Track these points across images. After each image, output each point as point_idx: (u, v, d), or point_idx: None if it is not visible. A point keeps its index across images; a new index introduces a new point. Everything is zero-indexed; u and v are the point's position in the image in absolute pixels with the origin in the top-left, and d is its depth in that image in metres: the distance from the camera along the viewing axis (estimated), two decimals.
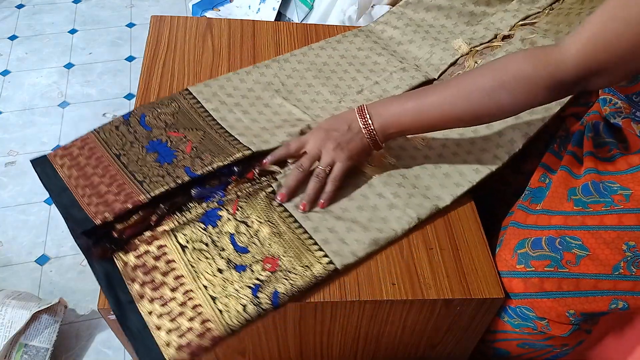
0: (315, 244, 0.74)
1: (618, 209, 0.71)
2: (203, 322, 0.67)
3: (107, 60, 1.83)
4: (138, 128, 0.84)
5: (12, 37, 1.88)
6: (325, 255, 0.73)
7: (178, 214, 0.76)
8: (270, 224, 0.75)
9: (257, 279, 0.71)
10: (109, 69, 1.79)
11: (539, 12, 0.98)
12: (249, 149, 0.80)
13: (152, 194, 0.74)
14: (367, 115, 0.76)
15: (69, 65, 1.80)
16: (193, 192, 0.77)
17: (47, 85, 1.73)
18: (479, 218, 0.83)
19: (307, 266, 0.72)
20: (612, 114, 0.79)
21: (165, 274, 0.70)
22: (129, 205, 0.72)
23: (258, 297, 0.69)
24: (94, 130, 0.85)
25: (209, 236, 0.74)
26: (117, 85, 1.74)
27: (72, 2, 2.02)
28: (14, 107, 1.67)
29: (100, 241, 0.72)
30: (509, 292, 0.76)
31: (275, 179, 0.80)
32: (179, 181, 0.76)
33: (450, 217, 0.83)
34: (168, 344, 0.66)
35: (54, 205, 1.42)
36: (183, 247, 0.72)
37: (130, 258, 0.71)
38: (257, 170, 0.80)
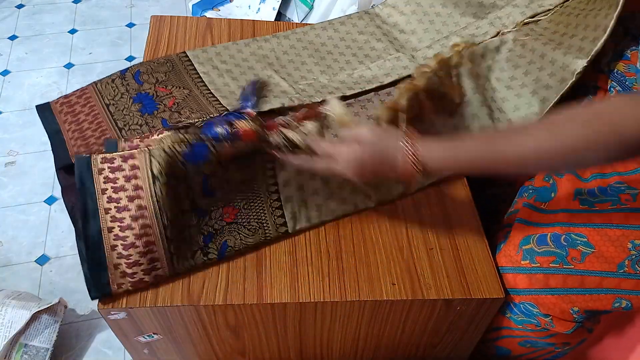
0: (278, 200, 0.77)
1: (624, 207, 0.71)
2: (152, 260, 0.71)
3: (107, 60, 1.82)
4: (131, 82, 0.90)
5: (12, 37, 1.88)
6: (282, 216, 0.77)
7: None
8: (244, 172, 0.77)
9: (213, 228, 0.74)
10: (109, 69, 1.79)
11: (548, 10, 0.94)
12: (227, 108, 0.83)
13: (127, 138, 0.77)
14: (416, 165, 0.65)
15: (69, 65, 1.80)
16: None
17: (47, 85, 1.73)
18: (479, 218, 0.83)
19: (261, 224, 0.76)
20: None
21: (131, 199, 0.71)
22: (103, 148, 0.76)
23: (208, 246, 0.74)
24: (94, 82, 0.92)
25: (183, 171, 0.74)
26: None
27: (72, 2, 2.02)
28: (14, 107, 1.67)
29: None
30: (513, 288, 0.76)
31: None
32: (154, 131, 0.78)
33: (451, 217, 0.83)
34: (116, 267, 0.70)
35: (54, 205, 1.42)
36: (154, 178, 0.72)
37: (105, 167, 0.73)
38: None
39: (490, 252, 0.80)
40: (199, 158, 0.74)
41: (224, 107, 0.85)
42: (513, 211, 0.85)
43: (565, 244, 0.73)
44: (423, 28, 1.01)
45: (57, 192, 1.45)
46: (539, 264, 0.74)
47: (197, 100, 0.86)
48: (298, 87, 0.92)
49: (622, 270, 0.71)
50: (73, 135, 0.83)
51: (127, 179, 0.72)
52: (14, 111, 1.65)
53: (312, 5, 1.72)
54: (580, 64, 0.80)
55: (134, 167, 0.73)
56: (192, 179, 0.74)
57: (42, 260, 1.32)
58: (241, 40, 1.01)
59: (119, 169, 0.72)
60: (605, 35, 0.79)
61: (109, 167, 0.73)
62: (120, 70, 0.92)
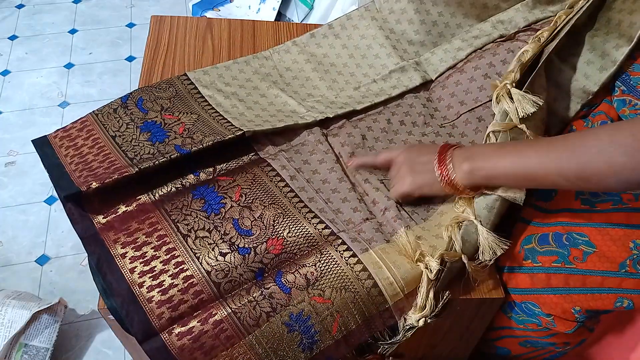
0: (321, 222, 0.74)
1: (626, 207, 0.71)
2: (204, 305, 0.67)
3: (107, 60, 1.82)
4: (135, 110, 0.86)
5: (12, 37, 1.88)
6: (321, 222, 0.74)
7: (171, 183, 0.77)
8: (275, 206, 0.75)
9: (261, 262, 0.70)
10: (109, 69, 1.79)
11: (550, 17, 0.92)
12: (240, 129, 0.81)
13: (140, 167, 0.74)
14: (450, 168, 0.71)
15: (69, 65, 1.80)
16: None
17: (47, 85, 1.73)
18: None
19: (310, 241, 0.72)
20: (632, 115, 0.79)
21: (165, 262, 0.69)
22: (116, 176, 0.73)
23: (262, 282, 0.69)
24: (93, 112, 0.87)
25: (212, 223, 0.73)
26: (117, 85, 1.74)
27: (72, 2, 2.02)
28: (14, 107, 1.67)
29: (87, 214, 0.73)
30: (515, 287, 0.76)
31: (273, 159, 0.81)
32: (168, 157, 0.76)
33: None
34: (160, 316, 0.66)
35: (54, 205, 1.42)
36: (185, 237, 0.71)
37: (128, 250, 0.70)
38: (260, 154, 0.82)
39: None
40: (218, 206, 0.74)
41: (236, 127, 0.82)
42: (515, 210, 0.85)
43: (567, 243, 0.73)
44: (425, 29, 0.98)
45: None
46: (540, 264, 0.74)
47: (208, 124, 0.84)
48: (307, 104, 0.90)
49: (623, 270, 0.71)
50: (77, 167, 0.79)
51: (156, 248, 0.70)
52: (14, 111, 1.65)
53: (312, 5, 1.73)
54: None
55: (160, 236, 0.71)
56: (222, 225, 0.73)
57: (42, 260, 1.32)
58: (241, 57, 0.99)
59: (146, 244, 0.70)
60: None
61: (132, 247, 0.70)
62: (121, 98, 0.89)
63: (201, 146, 0.77)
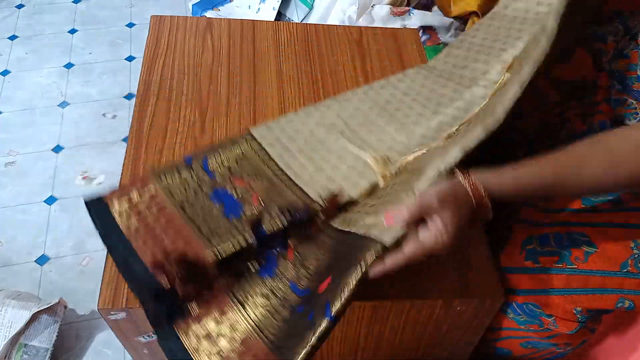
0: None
1: (626, 207, 0.71)
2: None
3: (107, 60, 1.82)
4: (200, 173, 0.80)
5: (12, 37, 1.88)
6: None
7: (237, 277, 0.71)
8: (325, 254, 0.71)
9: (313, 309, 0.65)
10: (109, 69, 1.79)
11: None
12: (317, 202, 0.76)
13: (221, 255, 0.68)
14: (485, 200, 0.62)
15: (69, 65, 1.80)
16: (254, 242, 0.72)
17: (47, 85, 1.73)
18: None
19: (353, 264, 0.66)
20: (627, 115, 0.79)
21: (231, 340, 0.66)
22: (194, 262, 0.68)
23: (314, 322, 0.63)
24: (155, 172, 0.79)
25: (270, 288, 0.69)
26: (117, 85, 1.74)
27: (72, 2, 2.02)
28: (14, 107, 1.67)
29: (161, 303, 0.68)
30: (516, 288, 0.76)
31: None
32: (249, 240, 0.70)
33: None
34: None
35: (54, 205, 1.42)
36: (242, 304, 0.68)
37: (198, 330, 0.67)
38: (320, 218, 0.75)
39: (490, 252, 0.79)
40: (273, 266, 0.71)
41: (312, 199, 0.76)
42: (515, 211, 0.85)
43: (568, 243, 0.73)
44: (484, 54, 0.92)
45: (57, 192, 1.45)
46: (542, 264, 0.74)
47: (282, 193, 0.78)
48: (378, 154, 0.83)
49: (625, 270, 0.71)
50: (147, 246, 0.70)
51: (218, 322, 0.67)
52: (14, 111, 1.65)
53: (312, 5, 1.72)
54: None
55: (223, 312, 0.67)
56: (280, 288, 0.69)
57: (42, 260, 1.32)
58: (301, 109, 0.93)
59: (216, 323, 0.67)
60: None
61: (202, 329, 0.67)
62: (185, 158, 0.82)
63: (280, 226, 0.72)
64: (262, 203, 0.75)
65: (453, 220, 0.59)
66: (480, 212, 0.61)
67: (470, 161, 0.85)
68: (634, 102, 0.79)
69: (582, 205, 0.75)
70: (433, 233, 0.59)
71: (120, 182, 0.84)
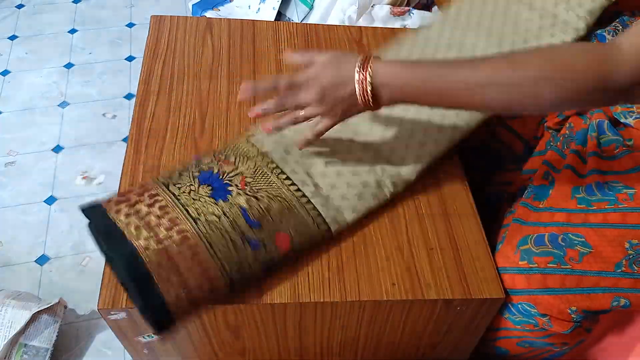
0: (315, 209, 0.76)
1: (622, 207, 0.71)
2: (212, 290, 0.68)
3: (107, 60, 1.82)
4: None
5: (12, 37, 1.88)
6: (324, 223, 0.76)
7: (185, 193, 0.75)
8: (280, 200, 0.75)
9: (271, 259, 0.72)
10: (109, 69, 1.79)
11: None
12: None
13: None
14: (368, 78, 0.66)
15: (69, 65, 1.80)
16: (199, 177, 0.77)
17: (47, 85, 1.73)
18: (479, 218, 0.83)
19: (311, 240, 0.76)
20: (623, 113, 0.79)
21: (179, 243, 0.68)
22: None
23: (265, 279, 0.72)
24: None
25: (221, 209, 0.72)
26: (117, 85, 1.74)
27: (72, 2, 2.02)
28: (14, 107, 1.67)
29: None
30: (511, 288, 0.77)
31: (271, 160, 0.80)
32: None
33: (450, 217, 0.83)
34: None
35: (54, 205, 1.42)
36: (195, 219, 0.71)
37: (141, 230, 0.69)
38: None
39: (490, 252, 0.79)
40: (225, 193, 0.74)
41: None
42: (511, 211, 0.85)
43: (563, 244, 0.73)
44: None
45: (57, 192, 1.45)
46: (536, 265, 0.74)
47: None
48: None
49: (619, 270, 0.71)
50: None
51: (168, 228, 0.69)
52: (14, 111, 1.65)
53: (312, 5, 1.72)
54: None
55: (171, 219, 0.70)
56: (231, 212, 0.72)
57: (42, 260, 1.32)
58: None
59: (158, 226, 0.69)
60: None
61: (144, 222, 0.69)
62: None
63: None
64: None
65: (325, 73, 0.68)
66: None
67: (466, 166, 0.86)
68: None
69: (578, 205, 0.75)
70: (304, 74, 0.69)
71: (120, 183, 0.84)
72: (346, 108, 0.70)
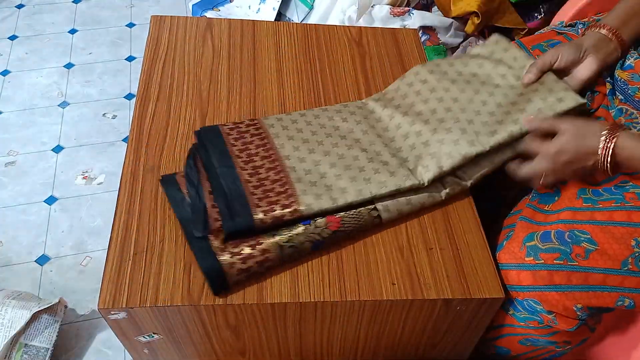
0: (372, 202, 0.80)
1: (629, 206, 0.71)
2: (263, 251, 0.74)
3: (107, 60, 1.82)
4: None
5: (12, 37, 1.88)
6: (375, 209, 0.79)
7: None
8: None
9: (319, 235, 0.76)
10: (109, 69, 1.79)
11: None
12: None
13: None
14: (610, 151, 0.70)
15: (69, 65, 1.80)
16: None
17: (47, 85, 1.73)
18: (479, 218, 0.83)
19: (361, 222, 0.79)
20: (627, 124, 0.79)
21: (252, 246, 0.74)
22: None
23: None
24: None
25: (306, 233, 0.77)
26: (117, 85, 1.74)
27: (72, 2, 2.02)
28: (14, 107, 1.67)
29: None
30: (517, 284, 0.77)
31: None
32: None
33: (450, 218, 0.83)
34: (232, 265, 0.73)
35: (54, 205, 1.42)
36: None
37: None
38: None
39: (490, 252, 0.80)
40: None
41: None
42: (516, 211, 0.85)
43: (570, 240, 0.73)
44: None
45: (57, 192, 1.45)
46: (543, 261, 0.75)
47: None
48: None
49: (625, 268, 0.71)
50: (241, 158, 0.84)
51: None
52: (14, 111, 1.65)
53: (312, 5, 1.72)
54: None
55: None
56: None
57: (42, 260, 1.32)
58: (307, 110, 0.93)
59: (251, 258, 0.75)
60: None
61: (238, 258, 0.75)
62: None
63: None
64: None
65: (566, 147, 0.72)
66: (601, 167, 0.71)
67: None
68: (635, 111, 0.80)
69: (584, 204, 0.75)
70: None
71: (120, 183, 0.84)
72: (580, 174, 0.75)
